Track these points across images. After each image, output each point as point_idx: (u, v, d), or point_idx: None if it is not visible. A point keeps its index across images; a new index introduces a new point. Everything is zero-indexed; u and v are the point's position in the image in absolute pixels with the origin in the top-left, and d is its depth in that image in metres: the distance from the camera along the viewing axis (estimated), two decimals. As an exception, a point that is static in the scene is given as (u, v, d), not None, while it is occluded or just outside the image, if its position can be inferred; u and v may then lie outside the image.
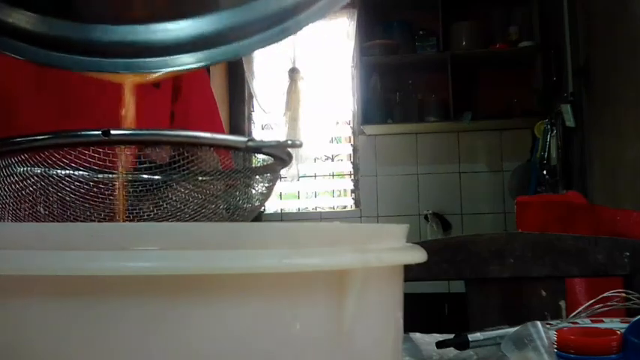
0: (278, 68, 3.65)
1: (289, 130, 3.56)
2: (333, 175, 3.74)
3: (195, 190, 0.51)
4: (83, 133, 0.45)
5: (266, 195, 0.57)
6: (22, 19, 0.44)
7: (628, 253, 0.97)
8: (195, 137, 0.48)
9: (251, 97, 3.72)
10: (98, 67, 0.45)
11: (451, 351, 0.67)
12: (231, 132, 3.66)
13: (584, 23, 2.68)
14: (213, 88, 3.27)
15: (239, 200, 0.54)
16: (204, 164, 0.50)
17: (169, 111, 0.88)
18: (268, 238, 0.29)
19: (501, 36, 3.38)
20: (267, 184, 0.56)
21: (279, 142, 0.50)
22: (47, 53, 0.45)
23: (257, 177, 0.54)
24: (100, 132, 0.44)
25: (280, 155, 0.53)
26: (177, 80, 0.88)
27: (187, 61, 0.46)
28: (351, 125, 3.68)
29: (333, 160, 3.76)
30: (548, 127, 2.92)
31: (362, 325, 0.32)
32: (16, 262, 0.25)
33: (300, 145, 0.51)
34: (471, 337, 0.66)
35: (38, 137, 0.45)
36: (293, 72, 3.59)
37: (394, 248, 0.34)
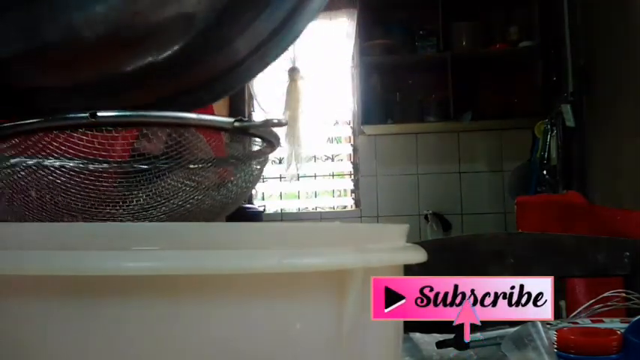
0: (278, 68, 3.65)
1: (288, 130, 3.56)
2: (333, 175, 3.74)
3: (187, 176, 0.52)
4: (71, 115, 0.45)
5: (256, 177, 0.57)
6: None
7: (628, 253, 0.97)
8: (182, 118, 0.48)
9: (251, 97, 3.72)
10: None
11: (451, 351, 0.67)
12: (231, 132, 3.65)
13: (584, 23, 2.68)
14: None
15: (230, 184, 0.54)
16: (196, 150, 0.50)
17: None
18: (268, 238, 0.29)
19: (501, 36, 3.38)
20: (257, 167, 0.56)
21: (265, 121, 0.50)
22: None
23: (247, 161, 0.54)
24: (87, 114, 0.44)
25: (268, 138, 0.53)
26: None
27: None
28: (351, 125, 3.68)
29: (333, 160, 3.76)
30: (548, 127, 2.91)
31: (362, 325, 0.32)
32: (16, 262, 0.25)
33: (286, 124, 0.52)
34: (471, 337, 0.66)
35: (27, 122, 0.45)
36: (293, 71, 3.59)
37: (394, 248, 0.34)
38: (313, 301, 0.30)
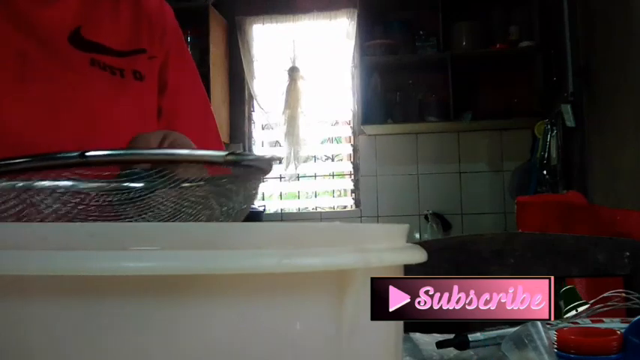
0: (278, 68, 3.65)
1: (288, 129, 3.56)
2: (333, 175, 3.74)
3: (178, 197, 0.51)
4: (60, 155, 0.44)
5: (249, 201, 0.57)
6: None
7: (628, 253, 0.97)
8: (173, 155, 0.49)
9: (251, 97, 3.72)
10: None
11: (451, 351, 0.67)
12: (232, 132, 3.66)
13: (584, 23, 2.68)
14: (213, 89, 3.24)
15: (222, 206, 0.54)
16: (188, 173, 0.50)
17: (156, 105, 0.86)
18: (268, 238, 0.29)
19: (501, 36, 3.38)
20: (249, 192, 0.56)
21: (258, 156, 0.51)
22: None
23: (239, 185, 0.54)
24: (77, 154, 0.44)
25: (261, 166, 0.53)
26: (163, 73, 0.87)
27: None
28: (351, 125, 3.68)
29: (333, 160, 3.76)
30: (549, 127, 2.92)
31: (362, 325, 0.32)
32: (16, 262, 0.25)
33: (279, 160, 0.52)
34: (471, 337, 0.66)
35: (15, 161, 0.44)
36: (293, 71, 3.59)
37: (394, 248, 0.34)
38: (313, 301, 0.30)
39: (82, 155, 0.44)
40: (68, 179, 0.47)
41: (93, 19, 0.80)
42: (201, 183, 0.51)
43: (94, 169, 0.47)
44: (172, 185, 0.49)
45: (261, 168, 0.54)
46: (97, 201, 0.49)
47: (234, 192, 0.54)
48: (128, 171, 0.50)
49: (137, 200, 0.49)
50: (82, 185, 0.48)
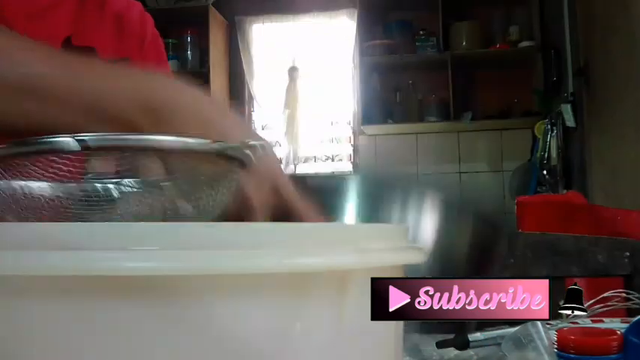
0: (278, 67, 3.65)
1: (288, 129, 3.56)
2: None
3: (151, 195, 0.50)
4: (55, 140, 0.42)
5: (225, 199, 0.55)
6: None
7: (628, 253, 0.97)
8: (158, 141, 0.44)
9: (251, 96, 3.72)
10: None
11: (451, 351, 0.67)
12: (231, 132, 3.66)
13: (584, 23, 2.68)
14: (213, 89, 3.27)
15: (197, 205, 0.53)
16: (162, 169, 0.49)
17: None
18: (268, 238, 0.29)
19: (501, 36, 3.38)
20: (226, 189, 0.54)
21: (243, 142, 0.49)
22: None
23: (214, 182, 0.52)
24: (71, 138, 0.41)
25: (242, 158, 0.51)
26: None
27: None
28: (351, 125, 3.68)
29: (333, 160, 3.76)
30: (549, 127, 2.92)
31: (362, 325, 0.32)
32: (16, 262, 0.25)
33: (264, 145, 0.50)
34: (471, 337, 0.66)
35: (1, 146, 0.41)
36: (292, 71, 3.60)
37: (394, 248, 0.34)
38: (313, 301, 0.30)
39: (82, 140, 0.41)
40: (42, 181, 0.45)
41: (82, 29, 0.81)
42: (174, 181, 0.50)
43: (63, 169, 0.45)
44: (143, 184, 0.48)
45: (242, 161, 0.52)
46: (63, 205, 0.48)
47: (213, 187, 0.53)
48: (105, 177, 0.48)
49: (107, 203, 0.48)
50: (62, 189, 0.46)
